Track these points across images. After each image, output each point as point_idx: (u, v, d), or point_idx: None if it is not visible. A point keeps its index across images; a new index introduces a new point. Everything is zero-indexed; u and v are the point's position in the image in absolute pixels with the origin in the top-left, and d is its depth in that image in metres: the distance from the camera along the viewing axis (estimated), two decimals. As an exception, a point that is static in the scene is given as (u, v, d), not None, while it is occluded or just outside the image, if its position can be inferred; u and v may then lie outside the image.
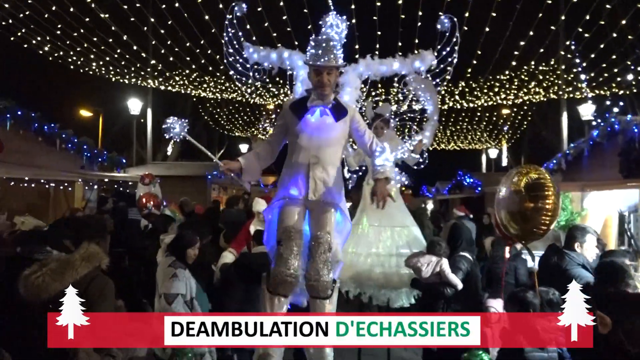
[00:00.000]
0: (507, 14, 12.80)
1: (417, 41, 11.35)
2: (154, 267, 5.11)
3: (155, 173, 12.88)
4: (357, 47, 11.81)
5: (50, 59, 15.29)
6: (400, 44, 12.47)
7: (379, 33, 13.14)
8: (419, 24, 11.71)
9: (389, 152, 4.01)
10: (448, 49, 5.83)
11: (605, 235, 8.04)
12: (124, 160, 14.92)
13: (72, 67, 16.24)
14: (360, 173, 7.02)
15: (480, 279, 5.53)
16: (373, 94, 13.00)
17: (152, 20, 14.08)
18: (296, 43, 12.05)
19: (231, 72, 6.08)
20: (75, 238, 4.06)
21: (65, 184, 11.44)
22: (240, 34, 6.06)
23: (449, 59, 5.89)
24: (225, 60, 6.08)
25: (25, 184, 10.88)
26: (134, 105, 20.27)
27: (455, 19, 5.80)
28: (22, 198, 11.24)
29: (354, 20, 11.10)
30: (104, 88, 21.71)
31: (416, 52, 5.98)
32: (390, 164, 3.96)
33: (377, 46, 12.58)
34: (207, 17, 10.37)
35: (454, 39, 5.77)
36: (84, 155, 12.63)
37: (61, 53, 14.70)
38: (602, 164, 9.08)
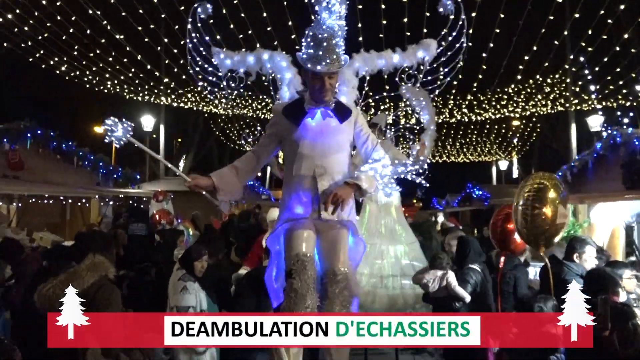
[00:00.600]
0: (511, 30, 13.00)
1: (425, 30, 10.15)
2: (165, 280, 5.22)
3: (167, 188, 13.15)
4: (360, 39, 10.86)
5: (67, 78, 15.75)
6: (408, 33, 11.40)
7: (384, 22, 12.17)
8: (427, 14, 10.41)
9: (385, 163, 3.46)
10: (455, 33, 5.16)
11: (613, 246, 8.08)
12: (138, 177, 15.24)
13: (87, 85, 16.69)
14: None
15: (490, 291, 5.49)
16: (382, 107, 13.08)
17: (166, 40, 14.49)
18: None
19: (200, 83, 5.52)
20: (81, 251, 4.28)
21: (83, 200, 11.76)
22: (207, 38, 5.45)
23: (457, 45, 5.22)
24: (190, 71, 5.36)
25: (45, 201, 11.19)
26: (147, 121, 20.67)
27: (459, 0, 5.06)
28: (40, 214, 11.56)
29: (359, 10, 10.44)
30: (117, 105, 22.19)
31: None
32: (376, 175, 3.39)
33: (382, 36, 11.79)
34: (217, 37, 10.72)
35: (460, 22, 5.08)
36: (99, 172, 12.96)
37: (77, 73, 15.15)
38: (606, 176, 9.21)
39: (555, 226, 4.39)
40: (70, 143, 12.18)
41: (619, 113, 17.68)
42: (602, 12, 11.45)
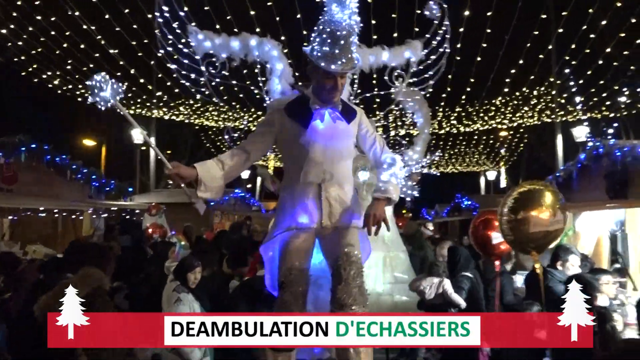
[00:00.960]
0: (498, 44, 13.36)
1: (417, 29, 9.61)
2: (158, 292, 5.27)
3: (158, 200, 13.19)
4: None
5: (59, 92, 15.84)
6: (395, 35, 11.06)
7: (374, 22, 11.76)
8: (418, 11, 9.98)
9: (400, 166, 3.24)
10: (439, 38, 5.05)
11: (598, 254, 8.26)
12: (131, 189, 15.28)
13: (80, 99, 16.78)
14: None
15: (482, 296, 5.62)
16: (374, 118, 13.19)
17: (158, 54, 14.64)
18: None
19: (173, 67, 4.61)
20: (74, 262, 4.26)
21: (77, 213, 11.79)
22: (182, 14, 4.78)
23: (441, 50, 5.11)
24: (161, 52, 4.55)
25: (39, 214, 11.22)
26: (138, 134, 20.71)
27: (445, 5, 4.91)
28: (32, 227, 11.57)
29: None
30: (106, 118, 22.21)
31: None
32: (398, 181, 3.21)
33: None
34: (211, 52, 10.89)
35: (444, 28, 4.97)
36: (92, 185, 12.98)
37: (70, 87, 15.24)
38: (589, 186, 9.46)
39: (551, 233, 4.30)
40: (64, 156, 12.23)
41: (603, 124, 18.11)
42: (585, 27, 11.86)
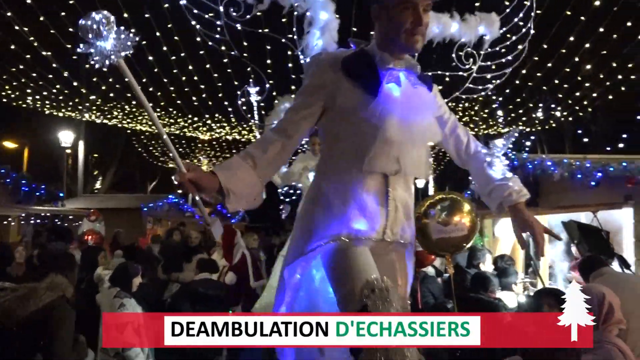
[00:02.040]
0: (427, 62, 14.25)
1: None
2: (89, 299, 5.29)
3: (88, 206, 12.87)
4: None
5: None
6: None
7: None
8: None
9: (498, 147, 2.46)
10: (522, 14, 4.34)
11: (515, 257, 9.10)
12: (62, 194, 14.82)
13: (4, 100, 16.07)
14: (295, 197, 5.99)
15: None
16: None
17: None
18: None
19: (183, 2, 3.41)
20: (42, 269, 4.37)
21: (9, 219, 11.39)
22: None
23: (524, 30, 4.40)
24: None
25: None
26: (66, 137, 20.01)
27: None
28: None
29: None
30: (30, 120, 21.32)
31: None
32: (513, 175, 2.44)
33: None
34: (150, 58, 10.93)
35: (528, 2, 4.19)
36: (21, 189, 12.50)
37: (-5, 87, 14.65)
38: (507, 195, 10.27)
39: (465, 237, 4.45)
40: (-10, 161, 11.76)
41: (522, 138, 19.73)
42: (504, 50, 12.99)
